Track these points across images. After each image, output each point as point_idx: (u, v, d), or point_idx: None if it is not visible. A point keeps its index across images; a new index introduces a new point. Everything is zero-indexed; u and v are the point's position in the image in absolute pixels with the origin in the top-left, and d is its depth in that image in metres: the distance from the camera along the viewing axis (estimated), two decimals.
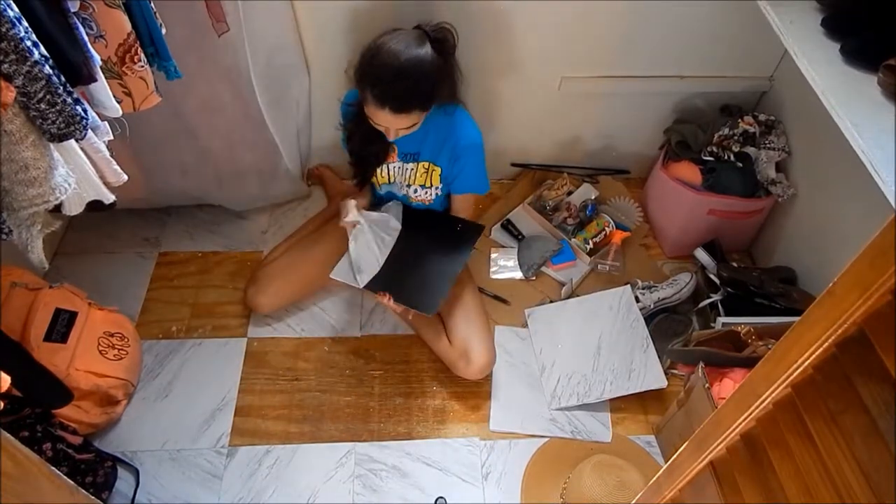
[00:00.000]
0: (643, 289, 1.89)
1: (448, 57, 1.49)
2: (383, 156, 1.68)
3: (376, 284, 1.66)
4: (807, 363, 0.70)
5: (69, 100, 0.96)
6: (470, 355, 1.69)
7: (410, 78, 1.41)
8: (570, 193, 2.14)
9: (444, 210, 1.83)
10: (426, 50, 1.43)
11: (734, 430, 0.85)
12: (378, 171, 1.71)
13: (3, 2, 0.83)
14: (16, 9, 0.86)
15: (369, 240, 1.69)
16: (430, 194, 1.73)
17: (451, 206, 1.79)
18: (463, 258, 1.71)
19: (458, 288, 1.81)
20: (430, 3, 1.70)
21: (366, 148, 1.65)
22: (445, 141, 1.62)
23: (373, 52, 1.43)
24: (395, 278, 1.68)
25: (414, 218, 1.80)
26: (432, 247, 1.74)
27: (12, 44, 0.85)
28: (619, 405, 1.74)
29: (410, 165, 1.69)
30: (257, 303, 1.80)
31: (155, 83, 1.23)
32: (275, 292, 1.80)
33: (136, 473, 1.56)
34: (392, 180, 1.74)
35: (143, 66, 1.17)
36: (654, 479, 1.13)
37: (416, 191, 1.73)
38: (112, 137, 1.15)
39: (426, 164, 1.67)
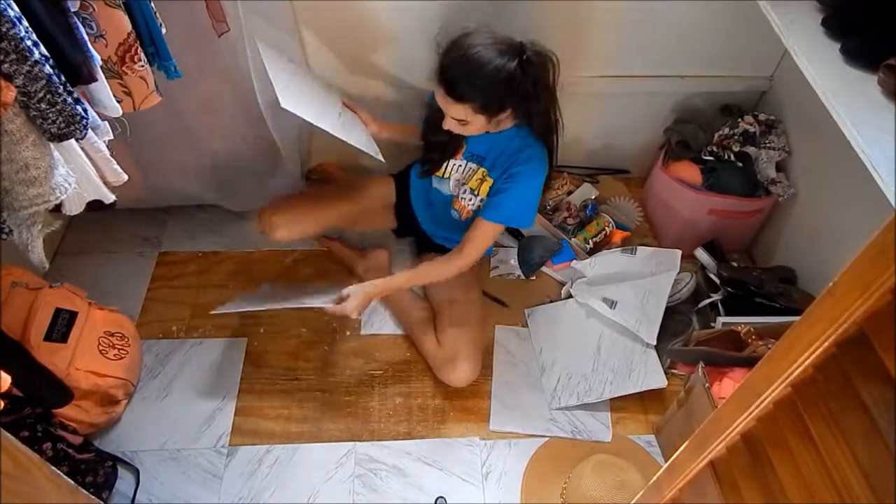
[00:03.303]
0: None
1: (536, 81, 1.43)
2: (451, 150, 1.66)
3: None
4: (807, 363, 0.70)
5: (69, 99, 0.96)
6: (456, 363, 1.68)
7: (473, 69, 1.38)
8: (570, 193, 2.14)
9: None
10: (509, 58, 1.38)
11: (734, 429, 0.85)
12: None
13: (3, 1, 0.83)
14: (16, 8, 0.86)
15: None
16: (474, 204, 1.69)
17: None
18: None
19: (464, 289, 1.80)
20: (430, 3, 1.70)
21: (437, 135, 1.62)
22: (505, 161, 1.60)
23: (466, 33, 1.43)
24: None
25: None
26: None
27: (12, 43, 0.85)
28: (619, 405, 1.74)
29: (472, 166, 1.66)
30: (273, 222, 1.68)
31: (155, 83, 1.23)
32: (294, 219, 1.71)
33: (137, 473, 1.56)
34: (447, 175, 1.70)
35: (143, 66, 1.17)
36: (654, 478, 1.13)
37: (465, 191, 1.69)
38: (112, 137, 1.15)
39: (484, 172, 1.65)
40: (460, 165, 1.68)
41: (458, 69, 1.40)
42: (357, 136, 1.59)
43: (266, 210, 1.73)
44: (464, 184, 1.69)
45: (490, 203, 1.61)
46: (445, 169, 1.70)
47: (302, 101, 1.51)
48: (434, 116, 1.57)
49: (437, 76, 1.43)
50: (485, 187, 1.65)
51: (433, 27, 1.75)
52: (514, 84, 1.40)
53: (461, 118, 1.46)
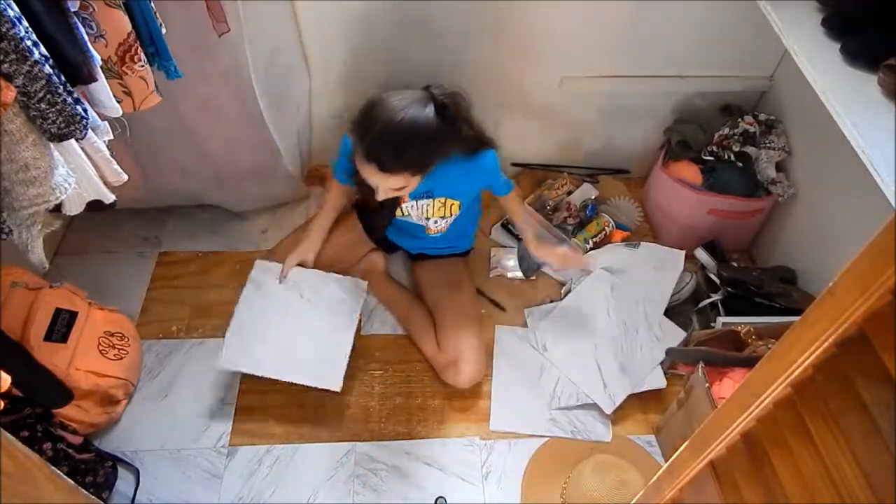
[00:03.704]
0: None
1: (454, 122, 1.41)
2: (397, 201, 1.63)
3: None
4: (807, 363, 0.70)
5: (69, 99, 0.96)
6: (459, 365, 1.68)
7: (402, 139, 1.34)
8: (570, 193, 2.14)
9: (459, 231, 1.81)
10: (427, 113, 1.36)
11: (734, 429, 0.85)
12: None
13: (3, 1, 0.83)
14: (16, 8, 0.86)
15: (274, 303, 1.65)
16: (448, 223, 1.69)
17: (508, 210, 1.79)
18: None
19: (455, 290, 1.80)
20: (430, 3, 1.70)
21: (373, 197, 1.55)
22: (465, 181, 1.59)
23: (372, 104, 1.37)
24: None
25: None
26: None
27: (12, 43, 0.85)
28: (619, 405, 1.74)
29: (425, 202, 1.64)
30: None
31: (155, 83, 1.23)
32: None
33: (136, 473, 1.56)
34: (405, 214, 1.68)
35: (143, 66, 1.17)
36: (654, 478, 1.13)
37: (436, 222, 1.69)
38: (112, 137, 1.15)
39: (442, 199, 1.62)
40: (412, 206, 1.65)
41: (385, 144, 1.35)
42: (347, 307, 1.69)
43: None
44: (427, 217, 1.68)
45: (493, 188, 1.68)
46: (403, 211, 1.67)
47: (304, 352, 1.61)
48: (365, 183, 1.52)
49: (363, 156, 1.37)
50: (454, 208, 1.63)
51: (435, 26, 1.76)
52: (441, 135, 1.39)
53: (399, 186, 1.43)
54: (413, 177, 1.42)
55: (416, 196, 1.62)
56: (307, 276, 1.72)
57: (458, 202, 1.64)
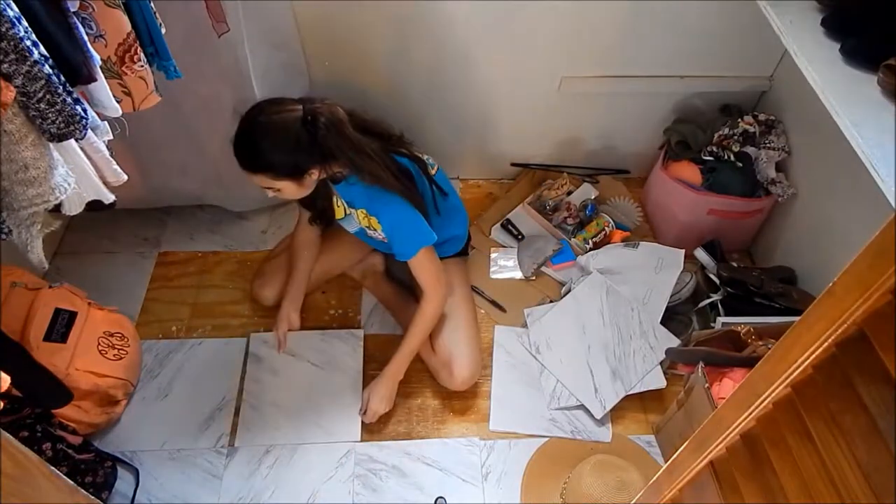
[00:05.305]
0: None
1: (326, 137, 1.39)
2: (330, 206, 1.67)
3: None
4: (807, 363, 0.70)
5: (69, 99, 0.96)
6: (452, 367, 1.67)
7: (256, 142, 1.39)
8: (570, 193, 2.14)
9: None
10: (289, 121, 1.38)
11: (734, 429, 0.85)
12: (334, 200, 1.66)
13: (2, 1, 0.83)
14: (15, 8, 0.86)
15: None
16: (380, 235, 1.63)
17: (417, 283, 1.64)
18: None
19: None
20: (430, 3, 1.70)
21: (311, 202, 1.68)
22: (368, 204, 1.56)
23: (251, 107, 1.43)
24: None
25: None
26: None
27: (12, 43, 0.85)
28: (619, 405, 1.74)
29: (352, 210, 1.62)
30: (262, 295, 1.82)
31: (154, 83, 1.23)
32: (279, 284, 1.81)
33: (136, 473, 1.56)
34: (347, 213, 1.65)
35: (142, 66, 1.17)
36: (654, 479, 1.13)
37: (369, 229, 1.64)
38: (112, 137, 1.15)
39: (363, 211, 1.59)
40: (348, 211, 1.64)
41: (242, 145, 1.41)
42: (352, 360, 1.79)
43: (255, 282, 1.86)
44: (359, 224, 1.65)
45: (392, 246, 1.59)
46: (342, 207, 1.65)
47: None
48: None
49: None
50: (374, 222, 1.59)
51: (434, 26, 1.76)
52: (304, 145, 1.39)
53: (266, 186, 1.46)
54: (276, 180, 1.43)
55: (347, 202, 1.61)
56: (306, 340, 1.80)
57: (376, 219, 1.57)
